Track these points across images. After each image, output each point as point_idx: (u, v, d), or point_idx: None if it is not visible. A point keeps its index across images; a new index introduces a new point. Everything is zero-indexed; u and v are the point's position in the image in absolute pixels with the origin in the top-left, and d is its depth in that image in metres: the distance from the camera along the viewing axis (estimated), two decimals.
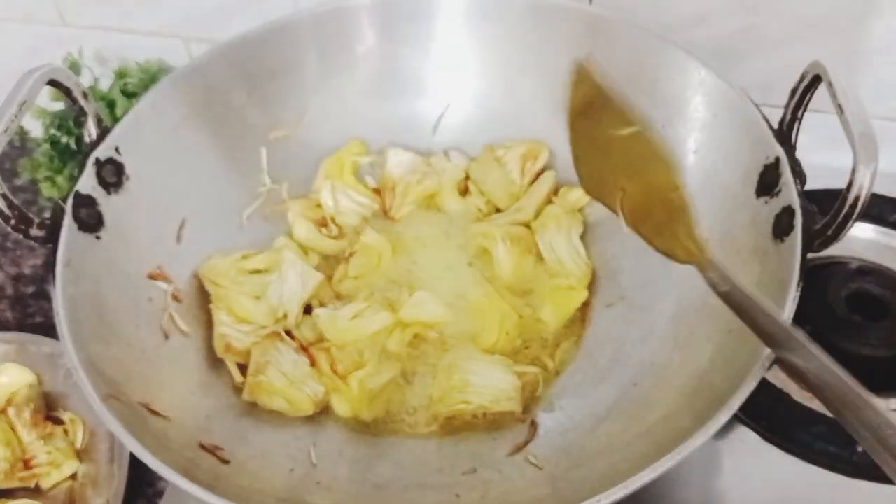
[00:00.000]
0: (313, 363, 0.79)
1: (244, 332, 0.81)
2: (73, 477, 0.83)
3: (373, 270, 0.86)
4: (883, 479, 0.73)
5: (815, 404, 0.78)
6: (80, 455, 0.84)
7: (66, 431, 0.85)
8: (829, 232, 0.61)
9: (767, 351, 0.58)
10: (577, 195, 0.88)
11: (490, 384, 0.76)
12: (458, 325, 0.82)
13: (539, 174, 0.91)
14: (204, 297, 0.83)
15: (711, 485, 0.77)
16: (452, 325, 0.82)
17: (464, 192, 0.93)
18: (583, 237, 0.87)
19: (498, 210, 0.92)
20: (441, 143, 0.95)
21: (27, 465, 0.82)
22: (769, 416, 0.78)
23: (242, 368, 0.80)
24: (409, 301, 0.82)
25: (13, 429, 0.84)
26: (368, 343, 0.80)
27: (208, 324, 0.82)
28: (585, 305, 0.83)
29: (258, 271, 0.84)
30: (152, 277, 0.79)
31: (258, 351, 0.79)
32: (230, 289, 0.82)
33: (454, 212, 0.92)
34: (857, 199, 0.58)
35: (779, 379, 0.81)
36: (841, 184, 0.60)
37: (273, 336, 0.80)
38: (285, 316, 0.82)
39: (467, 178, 0.93)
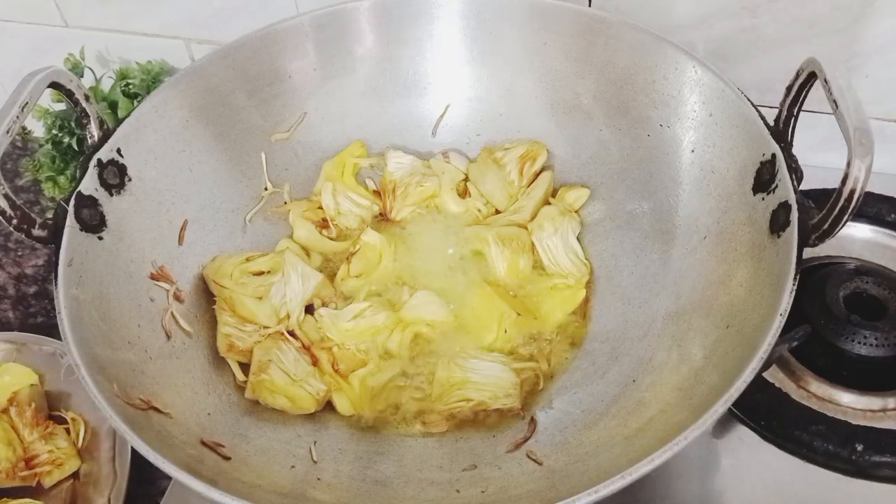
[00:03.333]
0: (315, 362, 0.79)
1: (247, 332, 0.81)
2: (75, 476, 0.83)
3: (374, 270, 0.87)
4: (882, 478, 0.74)
5: (814, 403, 0.79)
6: (82, 454, 0.84)
7: (67, 431, 0.85)
8: (825, 226, 0.61)
9: (764, 347, 0.58)
10: (576, 195, 0.89)
11: (489, 381, 0.77)
12: (458, 325, 0.82)
13: (537, 175, 0.92)
14: (207, 298, 0.84)
15: (710, 484, 0.77)
16: (452, 325, 0.82)
17: (463, 193, 0.93)
18: (581, 236, 0.88)
19: (497, 211, 0.92)
20: (440, 145, 0.96)
21: (29, 464, 0.82)
22: (768, 415, 0.78)
23: (245, 367, 0.80)
24: (410, 301, 0.82)
25: (15, 428, 0.84)
26: (369, 342, 0.80)
27: (211, 323, 0.82)
28: (585, 303, 0.84)
29: (261, 272, 0.84)
30: (154, 278, 0.80)
31: (260, 350, 0.79)
32: (233, 290, 0.82)
33: (453, 213, 0.92)
34: (852, 192, 0.58)
35: (777, 379, 0.81)
36: (837, 184, 0.60)
37: (275, 336, 0.81)
38: (288, 316, 0.82)
39: (466, 179, 0.94)
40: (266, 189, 0.91)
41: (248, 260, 0.85)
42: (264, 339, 0.81)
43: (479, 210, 0.92)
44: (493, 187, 0.92)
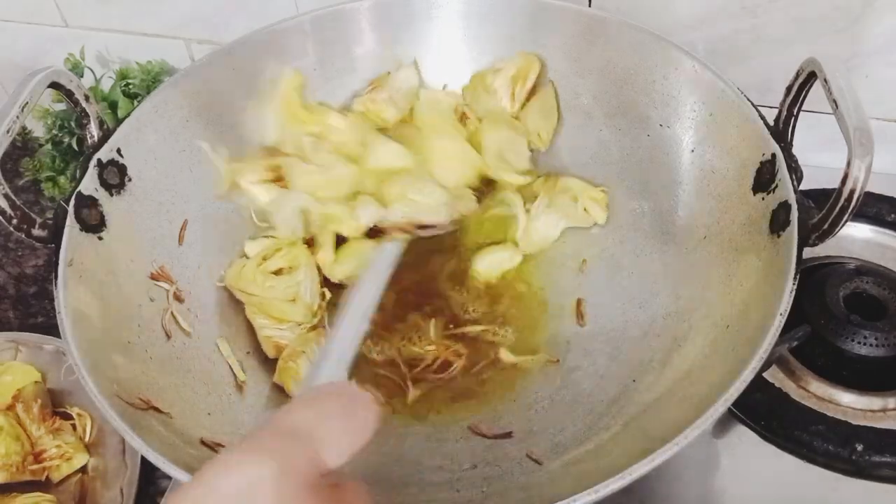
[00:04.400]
0: None
1: (286, 328, 0.82)
2: (83, 470, 0.83)
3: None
4: (883, 478, 0.74)
5: (814, 403, 0.79)
6: (90, 449, 0.85)
7: (73, 427, 0.86)
8: (825, 226, 0.61)
9: (764, 347, 0.58)
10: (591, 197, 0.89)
11: (421, 198, 0.78)
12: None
13: (531, 93, 0.91)
14: (210, 298, 0.84)
15: (710, 483, 0.77)
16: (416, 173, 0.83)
17: (462, 118, 0.91)
18: (581, 236, 0.88)
19: None
20: None
21: (37, 458, 0.83)
22: (768, 415, 0.78)
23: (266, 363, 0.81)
24: (372, 150, 0.82)
25: (21, 424, 0.84)
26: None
27: (217, 321, 0.83)
28: (578, 304, 0.84)
29: (280, 270, 0.84)
30: (154, 278, 0.80)
31: (298, 340, 0.80)
32: (263, 296, 0.82)
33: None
34: (852, 192, 0.58)
35: (777, 378, 0.81)
36: (837, 184, 0.60)
37: (315, 330, 0.82)
38: (320, 308, 0.84)
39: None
40: None
41: (264, 259, 0.84)
42: (306, 331, 0.81)
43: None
44: (486, 115, 0.90)
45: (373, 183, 0.82)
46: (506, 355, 0.80)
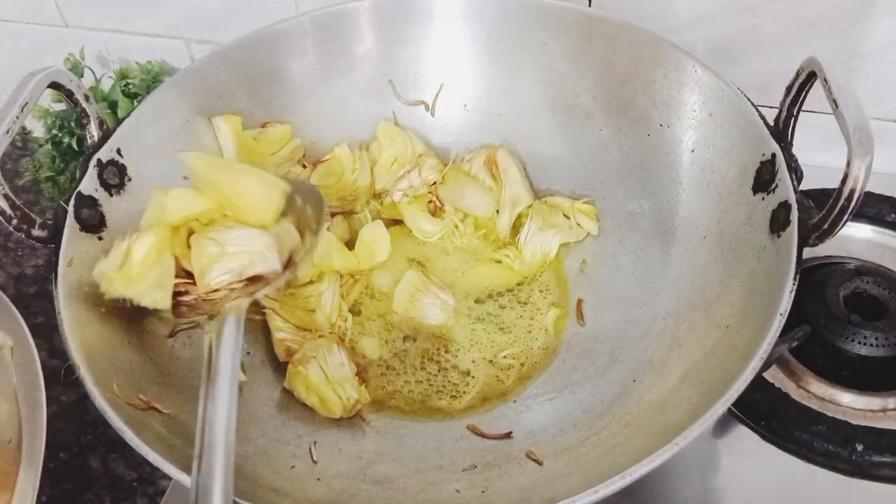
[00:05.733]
0: (358, 373, 0.80)
1: (303, 335, 0.82)
2: None
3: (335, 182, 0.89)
4: (882, 478, 0.74)
5: (814, 403, 0.79)
6: None
7: None
8: (825, 226, 0.61)
9: (764, 347, 0.58)
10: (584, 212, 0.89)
11: (243, 249, 0.70)
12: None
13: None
14: None
15: (710, 484, 0.77)
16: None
17: (435, 212, 0.94)
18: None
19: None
20: (441, 139, 0.96)
21: None
22: (768, 415, 0.78)
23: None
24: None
25: None
26: None
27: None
28: (579, 303, 0.85)
29: None
30: None
31: (310, 345, 0.80)
32: (285, 302, 0.83)
33: (428, 232, 0.93)
34: (852, 192, 0.58)
35: (777, 379, 0.81)
36: (837, 184, 0.60)
37: (330, 339, 0.81)
38: (342, 318, 0.84)
39: (436, 201, 0.94)
40: None
41: None
42: (318, 337, 0.81)
43: (457, 227, 0.92)
44: (474, 198, 0.92)
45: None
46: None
